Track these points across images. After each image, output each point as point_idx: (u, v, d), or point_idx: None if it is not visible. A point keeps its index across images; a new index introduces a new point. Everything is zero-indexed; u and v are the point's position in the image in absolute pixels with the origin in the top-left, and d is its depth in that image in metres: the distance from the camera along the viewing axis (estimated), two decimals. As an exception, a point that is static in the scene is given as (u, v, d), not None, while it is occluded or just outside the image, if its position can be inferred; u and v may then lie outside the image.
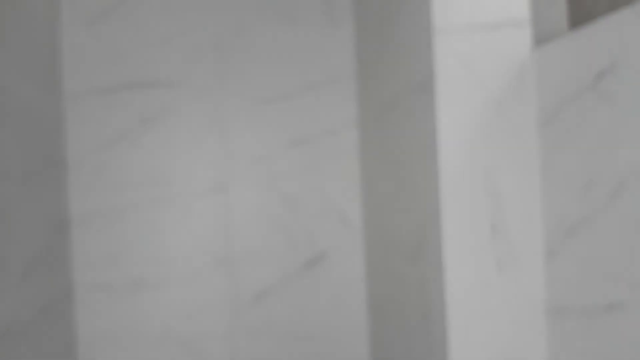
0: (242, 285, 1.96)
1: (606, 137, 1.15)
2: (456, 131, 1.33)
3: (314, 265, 2.02)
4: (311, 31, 2.02)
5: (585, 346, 1.23)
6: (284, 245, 1.99)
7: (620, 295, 1.10)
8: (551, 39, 1.53)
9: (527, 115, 1.37)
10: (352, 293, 2.05)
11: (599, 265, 1.18)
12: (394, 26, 1.62)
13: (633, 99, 1.06)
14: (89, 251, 1.86)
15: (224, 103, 1.97)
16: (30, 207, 1.50)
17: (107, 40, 1.92)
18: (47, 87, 1.70)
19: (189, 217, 1.93)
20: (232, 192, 1.96)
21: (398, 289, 1.66)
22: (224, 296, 1.95)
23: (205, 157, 1.95)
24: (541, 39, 1.52)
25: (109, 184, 1.88)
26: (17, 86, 1.44)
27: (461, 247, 1.33)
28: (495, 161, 1.35)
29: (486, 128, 1.34)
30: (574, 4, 1.66)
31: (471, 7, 1.36)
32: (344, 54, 2.04)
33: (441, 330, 1.35)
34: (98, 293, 1.86)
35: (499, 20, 1.37)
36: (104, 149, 1.89)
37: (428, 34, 1.37)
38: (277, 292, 1.99)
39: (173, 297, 1.92)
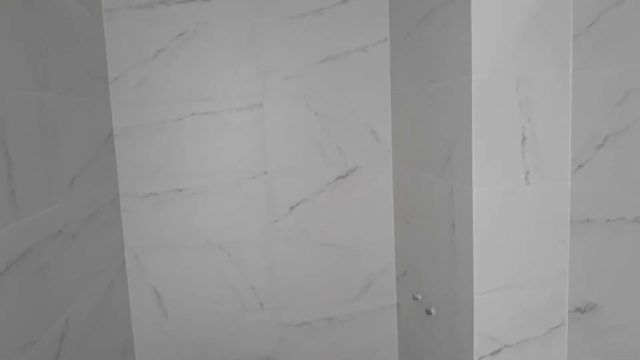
0: (277, 195, 2.05)
1: (644, 47, 1.13)
2: (490, 42, 1.32)
3: (345, 178, 2.08)
4: (345, -58, 1.98)
5: (608, 258, 1.28)
6: (317, 158, 2.05)
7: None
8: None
9: (562, 25, 1.34)
10: (380, 205, 2.12)
11: (628, 178, 1.20)
12: None
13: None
14: (133, 162, 1.96)
15: (259, 17, 1.97)
16: (76, 119, 1.58)
17: (140, -47, 1.92)
18: (87, 3, 1.73)
19: (227, 131, 1.99)
20: (266, 108, 2.00)
21: (426, 201, 1.72)
22: (261, 206, 2.05)
23: (241, 72, 1.98)
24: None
25: (149, 98, 1.94)
26: (61, 1, 1.48)
27: (490, 159, 1.36)
28: (528, 72, 1.34)
29: (520, 39, 1.33)
30: None
31: None
32: (379, -34, 2.00)
33: (468, 239, 1.41)
34: (142, 201, 1.98)
35: None
36: (143, 64, 1.93)
37: (466, -59, 1.33)
38: (310, 203, 2.07)
39: (213, 206, 2.02)
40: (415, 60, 1.75)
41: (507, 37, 1.33)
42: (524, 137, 1.37)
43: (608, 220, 1.27)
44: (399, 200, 2.06)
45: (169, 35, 1.94)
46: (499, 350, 1.43)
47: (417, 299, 1.87)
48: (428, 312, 1.73)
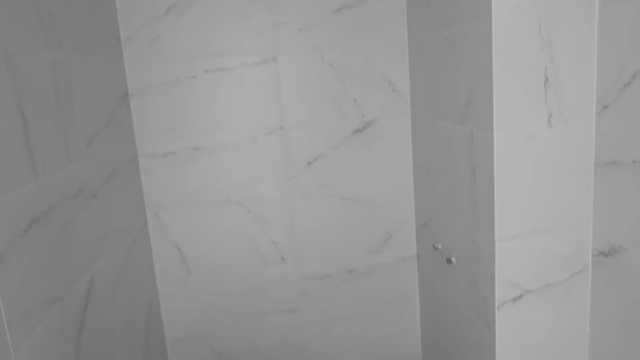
0: (294, 151, 2.04)
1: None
2: (511, -20, 1.26)
3: (362, 132, 2.06)
4: None
5: (634, 199, 1.25)
6: (333, 112, 2.02)
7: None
8: None
9: (589, -43, 1.27)
10: (399, 157, 2.10)
11: (654, 114, 1.16)
12: None
13: None
14: (149, 121, 1.95)
15: (268, -33, 1.91)
16: (90, 79, 1.57)
17: None
18: (92, -43, 1.69)
19: (242, 87, 1.97)
20: (280, 62, 1.97)
21: (445, 150, 1.69)
22: (278, 162, 2.04)
23: (253, 25, 1.94)
24: None
25: (161, 56, 1.92)
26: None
27: (511, 102, 1.32)
28: (550, 11, 1.29)
29: (543, -26, 1.27)
30: None
31: None
32: None
33: (489, 186, 1.39)
34: (161, 161, 1.98)
35: None
36: (154, 22, 1.90)
37: None
38: (327, 158, 2.06)
39: (231, 164, 2.02)
40: (432, 5, 1.69)
41: (528, -27, 1.27)
42: (547, 79, 1.32)
43: (634, 161, 1.23)
44: (417, 151, 2.03)
45: (178, -11, 1.90)
46: (520, 296, 1.42)
47: (437, 248, 1.86)
48: (449, 262, 1.73)
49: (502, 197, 1.36)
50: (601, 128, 1.34)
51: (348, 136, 2.06)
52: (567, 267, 1.43)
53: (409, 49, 2.00)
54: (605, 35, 1.28)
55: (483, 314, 1.51)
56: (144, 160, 1.98)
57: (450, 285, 1.80)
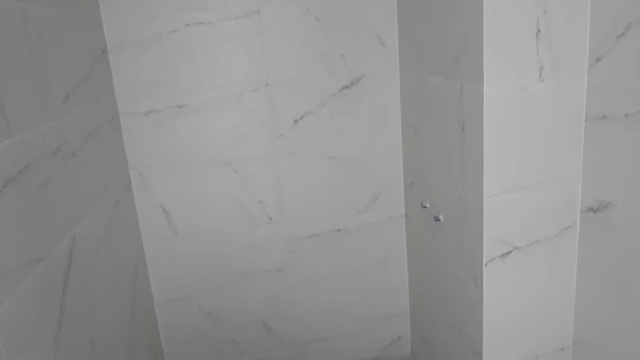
0: (281, 109, 1.99)
1: None
2: None
3: (350, 88, 2.01)
4: None
5: (625, 153, 1.23)
6: (320, 68, 1.97)
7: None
8: None
9: None
10: (387, 114, 2.06)
11: (648, 66, 1.13)
12: None
13: None
14: (130, 79, 1.89)
15: None
16: (65, 33, 1.50)
17: None
18: None
19: (224, 42, 1.90)
20: (264, 15, 1.90)
21: (435, 106, 1.65)
22: (264, 120, 2.00)
23: (235, -23, 1.86)
24: None
25: (140, 10, 1.84)
26: None
27: (502, 55, 1.28)
28: (545, -42, 1.23)
29: None
30: None
31: None
32: None
33: (478, 141, 1.36)
34: (143, 119, 1.93)
35: None
36: (130, -28, 1.82)
37: None
38: (314, 116, 2.01)
39: (215, 122, 1.97)
40: (422, -46, 1.62)
41: None
42: (539, 30, 1.28)
43: (626, 115, 1.21)
44: (406, 108, 1.99)
45: (156, -62, 1.81)
46: (509, 253, 1.42)
47: (425, 207, 1.85)
48: (437, 219, 1.71)
49: (491, 153, 1.34)
50: (593, 81, 1.31)
51: (336, 93, 2.01)
52: (556, 223, 1.42)
53: (397, 2, 1.94)
54: (600, -17, 1.24)
55: (471, 270, 1.51)
56: (125, 119, 1.93)
57: (438, 243, 1.79)
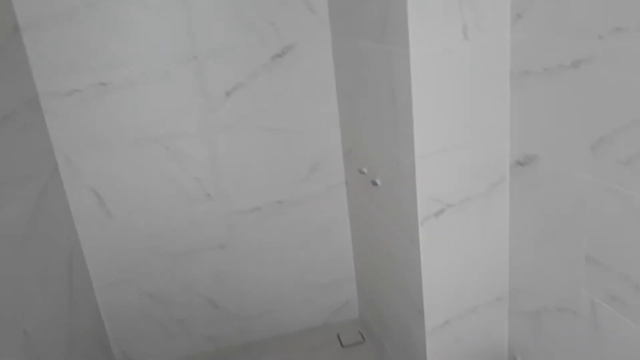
0: (211, 82, 1.94)
1: None
2: None
3: (282, 57, 1.97)
4: None
5: (547, 107, 1.27)
6: (250, 37, 1.92)
7: (589, 50, 1.10)
8: None
9: None
10: (321, 83, 2.04)
11: (565, 21, 1.16)
12: None
13: None
14: (47, 57, 1.78)
15: None
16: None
17: None
18: None
19: (147, 14, 1.81)
20: (187, -16, 1.82)
21: (366, 71, 1.65)
22: (195, 94, 1.94)
23: (152, -55, 1.77)
24: None
25: (51, -18, 1.73)
26: None
27: (426, 17, 1.28)
28: None
29: None
30: None
31: None
32: None
33: (407, 104, 1.37)
34: (65, 100, 1.83)
35: None
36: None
37: None
38: (247, 87, 1.97)
39: (143, 99, 1.90)
40: None
41: None
42: (461, -11, 1.29)
43: (546, 69, 1.24)
44: (340, 75, 1.98)
45: None
46: (442, 211, 1.45)
47: (363, 172, 1.86)
48: (374, 184, 1.73)
49: (420, 114, 1.35)
50: (516, 38, 1.33)
51: (267, 63, 1.97)
52: (486, 179, 1.46)
53: (323, -33, 1.91)
54: (516, -60, 1.25)
55: (408, 230, 1.54)
56: (46, 100, 1.82)
57: (376, 207, 1.81)
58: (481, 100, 1.39)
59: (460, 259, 1.52)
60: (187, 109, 1.94)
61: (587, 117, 1.14)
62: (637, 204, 1.04)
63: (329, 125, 2.10)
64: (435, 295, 1.54)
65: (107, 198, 1.98)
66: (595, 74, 1.09)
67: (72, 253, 1.89)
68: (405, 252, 1.60)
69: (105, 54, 1.82)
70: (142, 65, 1.86)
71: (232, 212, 2.12)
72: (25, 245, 1.50)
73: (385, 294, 1.94)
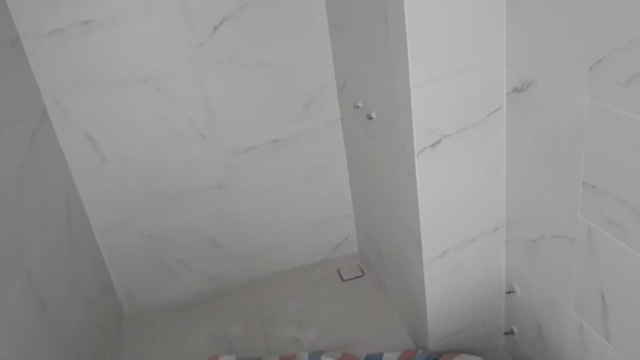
0: (197, 14, 1.86)
1: None
2: None
3: (271, -12, 1.89)
4: None
5: (545, 29, 1.22)
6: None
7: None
8: None
9: None
10: (312, 14, 1.96)
11: None
12: None
13: None
14: (25, -4, 1.71)
15: None
16: None
17: None
18: None
19: (124, -54, 1.73)
20: None
21: (358, 1, 1.58)
22: (181, 29, 1.87)
23: None
24: None
25: None
26: None
27: None
28: None
29: None
30: None
31: None
32: None
33: (401, 31, 1.31)
34: (48, 41, 1.77)
35: None
36: None
37: None
38: (235, 20, 1.89)
39: (128, 36, 1.83)
40: None
41: None
42: None
43: (544, -12, 1.18)
44: (331, 5, 1.90)
45: None
46: (439, 141, 1.43)
47: (358, 107, 1.82)
48: (369, 118, 1.70)
49: (414, 41, 1.30)
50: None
51: (255, -5, 1.89)
52: (483, 108, 1.43)
53: None
54: None
55: (404, 163, 1.52)
56: (28, 41, 1.76)
57: (372, 141, 1.79)
58: (476, 25, 1.33)
59: (457, 190, 1.51)
60: (174, 45, 1.88)
61: (585, 38, 1.09)
62: (636, 125, 1.02)
63: (322, 59, 2.04)
64: (432, 226, 1.54)
65: (100, 141, 1.95)
66: None
67: (69, 197, 1.89)
68: (402, 185, 1.59)
69: (86, -9, 1.74)
70: (124, 0, 1.78)
71: (228, 152, 2.10)
72: (19, 188, 1.49)
73: (383, 228, 1.95)
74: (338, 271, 2.36)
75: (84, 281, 1.86)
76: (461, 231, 1.59)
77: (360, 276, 2.32)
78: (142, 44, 1.85)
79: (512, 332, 1.76)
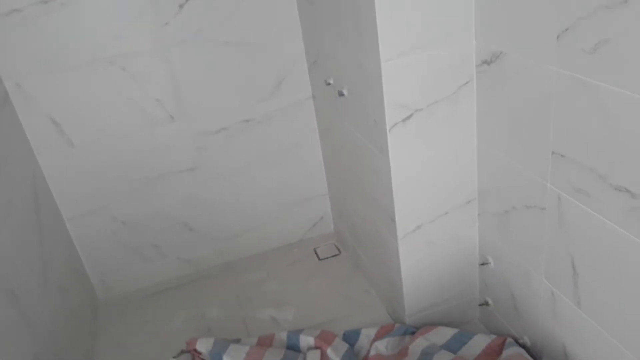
0: (161, -6, 1.82)
1: None
2: None
3: (236, -36, 1.85)
4: None
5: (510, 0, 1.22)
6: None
7: None
8: None
9: None
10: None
11: None
12: None
13: None
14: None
15: None
16: None
17: None
18: None
19: None
20: None
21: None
22: (144, 8, 1.81)
23: None
24: None
25: None
26: None
27: None
28: None
29: None
30: None
31: None
32: None
33: (370, 4, 1.30)
34: (5, 22, 1.70)
35: None
36: None
37: None
38: (200, -1, 1.86)
39: (90, 16, 1.77)
40: None
41: None
42: None
43: (511, -43, 1.18)
44: (298, -19, 1.87)
45: None
46: (410, 116, 1.42)
47: (329, 84, 1.81)
48: (341, 94, 1.69)
49: (383, 14, 1.28)
50: None
51: (221, -31, 1.84)
52: (453, 81, 1.42)
53: None
54: None
55: (377, 139, 1.51)
56: (-16, 23, 1.69)
57: (344, 118, 1.78)
58: (445, -3, 1.32)
59: (429, 164, 1.52)
60: (138, 25, 1.83)
61: (552, 7, 1.09)
62: (602, 93, 1.02)
63: (291, 36, 2.01)
64: (406, 201, 1.55)
65: (66, 125, 1.90)
66: (561, -42, 1.04)
67: (35, 184, 1.84)
68: (374, 161, 1.59)
69: (44, -31, 1.68)
70: (85, -21, 1.73)
71: (198, 134, 2.07)
72: (-19, 177, 1.45)
73: (358, 205, 1.95)
74: (314, 250, 2.37)
75: (56, 270, 1.82)
76: (434, 205, 1.60)
77: (337, 254, 2.32)
78: (106, 23, 1.80)
79: (486, 304, 1.78)
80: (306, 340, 1.75)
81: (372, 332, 1.79)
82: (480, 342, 1.64)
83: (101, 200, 2.06)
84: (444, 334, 1.68)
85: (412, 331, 1.74)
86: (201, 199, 2.20)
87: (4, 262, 1.44)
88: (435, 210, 1.60)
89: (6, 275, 1.42)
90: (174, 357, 1.68)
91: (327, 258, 2.31)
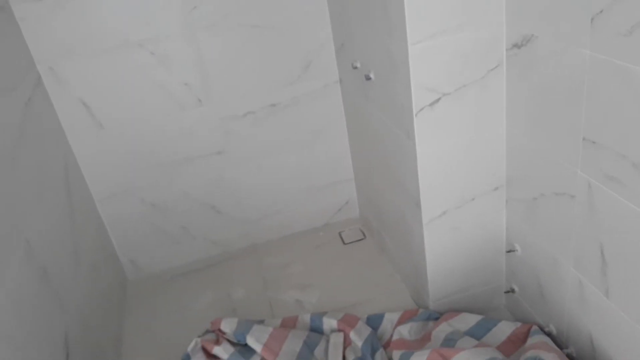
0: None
1: None
2: None
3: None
4: None
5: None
6: None
7: None
8: None
9: None
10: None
11: None
12: None
13: None
14: (12, -40, 1.67)
15: None
16: None
17: None
18: None
19: None
20: None
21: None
22: (173, -8, 1.83)
23: None
24: None
25: None
26: None
27: None
28: None
29: None
30: None
31: None
32: None
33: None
34: (38, 6, 1.73)
35: None
36: None
37: None
38: (229, -18, 1.86)
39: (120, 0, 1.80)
40: None
41: None
42: None
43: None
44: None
45: None
46: (437, 100, 1.40)
47: (356, 67, 1.79)
48: (368, 78, 1.67)
49: (411, -3, 1.26)
50: None
51: (249, -46, 1.84)
52: (482, 65, 1.40)
53: None
54: None
55: (403, 123, 1.50)
56: (18, 7, 1.72)
57: (371, 102, 1.77)
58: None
59: (456, 150, 1.50)
60: (167, 8, 1.84)
61: (588, -12, 1.06)
62: (638, 77, 0.99)
63: (319, 20, 2.00)
64: (431, 186, 1.54)
65: (96, 109, 1.93)
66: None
67: (66, 166, 1.88)
68: (401, 146, 1.58)
69: (75, -47, 1.70)
70: (115, -37, 1.74)
71: (226, 118, 2.08)
72: (15, 157, 1.48)
73: (383, 190, 1.94)
74: (340, 235, 2.37)
75: (87, 249, 1.87)
76: (461, 191, 1.58)
77: (362, 239, 2.33)
78: (136, 7, 1.82)
79: (512, 291, 1.77)
80: (329, 323, 1.77)
81: (395, 316, 1.80)
82: (504, 329, 1.63)
83: (130, 182, 2.10)
84: (468, 321, 1.67)
85: (436, 317, 1.73)
86: (228, 182, 2.22)
87: (37, 242, 1.48)
88: (462, 196, 1.59)
89: (39, 255, 1.47)
90: (199, 336, 1.72)
91: (352, 242, 2.32)
